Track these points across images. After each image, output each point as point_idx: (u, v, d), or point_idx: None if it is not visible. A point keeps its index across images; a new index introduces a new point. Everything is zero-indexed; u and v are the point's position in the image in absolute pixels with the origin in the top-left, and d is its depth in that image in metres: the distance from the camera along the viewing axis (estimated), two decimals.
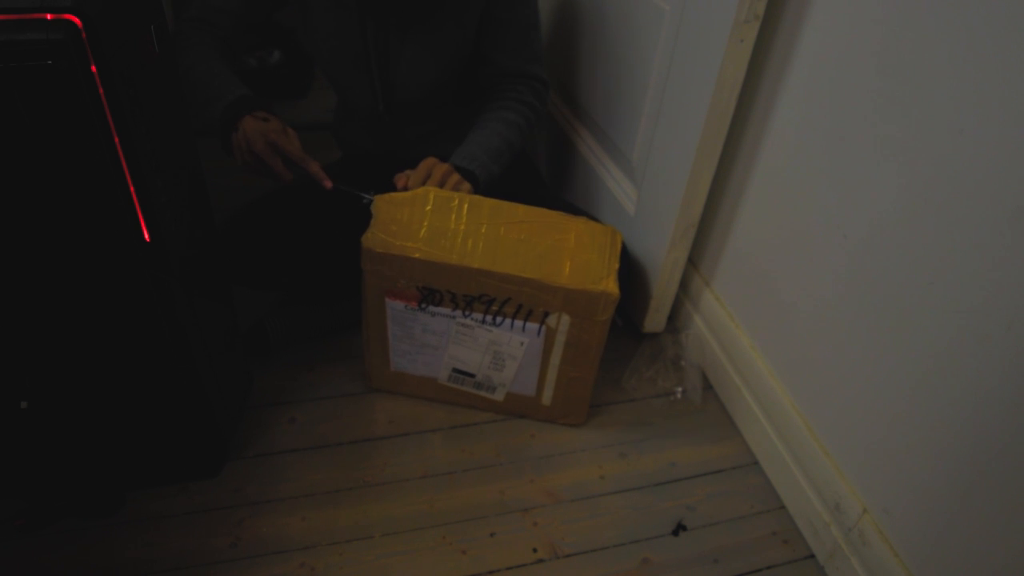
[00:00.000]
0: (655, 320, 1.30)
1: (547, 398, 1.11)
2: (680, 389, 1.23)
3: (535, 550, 0.97)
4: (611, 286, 0.97)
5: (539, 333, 1.02)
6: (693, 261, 1.27)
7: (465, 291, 0.99)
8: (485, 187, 1.08)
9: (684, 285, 1.28)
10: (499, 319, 1.02)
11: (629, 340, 1.32)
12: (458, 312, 1.02)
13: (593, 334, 1.01)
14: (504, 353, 1.06)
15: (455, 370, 1.10)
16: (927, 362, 0.80)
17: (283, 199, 1.15)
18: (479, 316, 1.02)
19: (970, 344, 0.74)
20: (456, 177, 1.04)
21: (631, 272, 1.28)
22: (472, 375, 1.10)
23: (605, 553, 0.97)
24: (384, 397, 1.16)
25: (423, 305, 1.02)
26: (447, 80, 1.16)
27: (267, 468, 1.04)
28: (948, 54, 0.74)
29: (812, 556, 1.00)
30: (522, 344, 1.04)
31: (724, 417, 1.20)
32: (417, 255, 0.97)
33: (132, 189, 0.72)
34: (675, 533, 1.01)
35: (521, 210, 1.01)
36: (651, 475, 1.09)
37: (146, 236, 0.75)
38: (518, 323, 1.02)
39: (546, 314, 1.00)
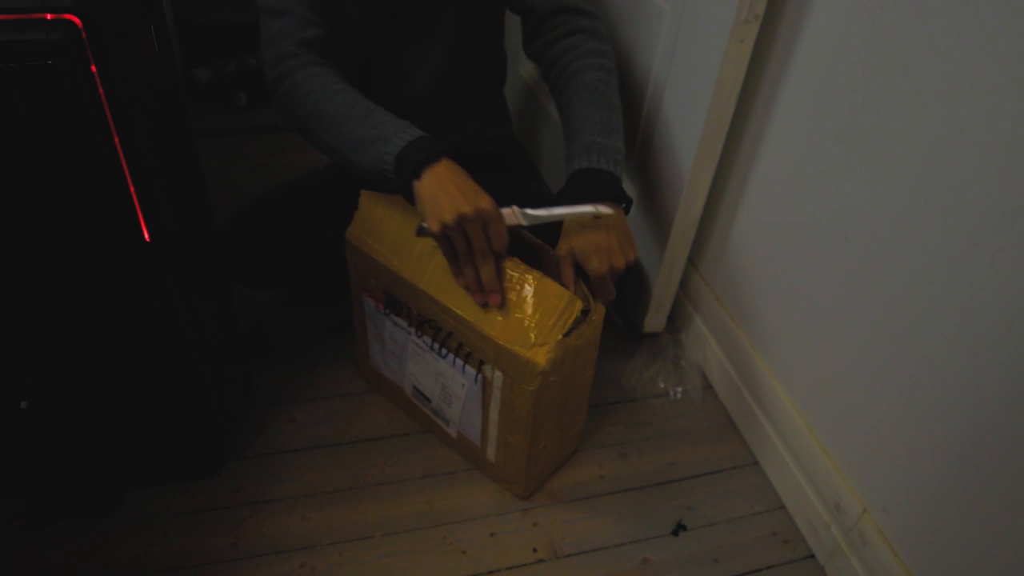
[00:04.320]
0: (655, 320, 1.30)
1: (491, 454, 1.00)
2: (680, 389, 1.23)
3: (535, 550, 0.97)
4: (540, 356, 0.83)
5: (476, 380, 0.92)
6: (693, 261, 1.27)
7: (419, 310, 0.94)
8: (622, 171, 0.93)
9: (684, 285, 1.28)
10: (444, 351, 0.94)
11: (629, 340, 1.32)
12: (412, 329, 0.97)
13: (523, 402, 0.88)
14: (450, 389, 0.97)
15: (415, 388, 1.05)
16: (927, 362, 0.80)
17: (284, 199, 1.15)
18: (428, 341, 0.95)
19: (970, 344, 0.74)
20: (623, 231, 0.88)
21: (631, 272, 1.28)
22: (429, 400, 1.04)
23: (605, 553, 0.97)
24: (384, 397, 1.16)
25: (387, 311, 0.99)
26: (455, 78, 1.12)
27: (267, 468, 1.04)
28: (948, 54, 0.74)
29: (812, 556, 1.00)
30: (463, 386, 0.95)
31: (724, 417, 1.20)
32: (379, 258, 0.94)
33: (132, 189, 0.72)
34: (675, 533, 1.01)
35: None
36: (651, 475, 1.09)
37: (146, 236, 0.75)
38: (459, 362, 0.93)
39: (482, 362, 0.90)
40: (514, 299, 0.86)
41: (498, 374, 0.89)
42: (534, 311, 0.85)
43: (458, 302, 0.88)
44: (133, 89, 0.70)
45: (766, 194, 1.06)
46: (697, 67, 1.04)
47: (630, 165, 1.28)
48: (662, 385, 1.23)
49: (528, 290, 0.85)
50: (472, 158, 1.21)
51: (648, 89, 1.19)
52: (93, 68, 0.64)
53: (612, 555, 0.97)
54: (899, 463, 0.85)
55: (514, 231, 0.87)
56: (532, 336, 0.84)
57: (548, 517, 1.01)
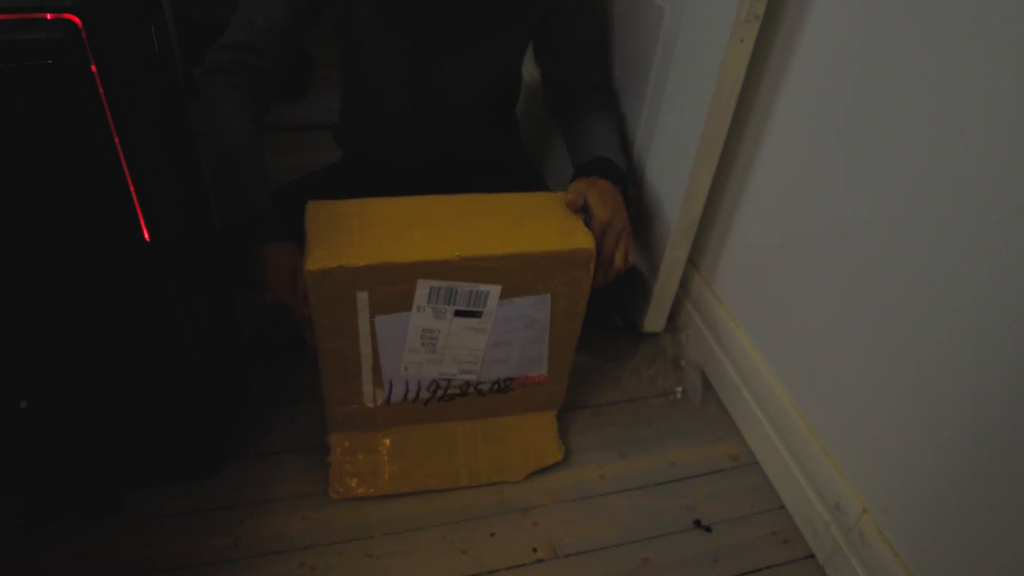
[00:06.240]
0: (655, 320, 1.30)
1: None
2: (680, 389, 1.23)
3: (535, 550, 0.97)
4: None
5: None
6: (693, 261, 1.27)
7: None
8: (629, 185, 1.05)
9: (684, 285, 1.28)
10: None
11: (629, 340, 1.31)
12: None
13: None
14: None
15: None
16: (927, 362, 0.80)
17: (285, 202, 1.14)
18: None
19: (970, 344, 0.74)
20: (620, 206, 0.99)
21: (631, 272, 1.28)
22: None
23: (605, 553, 0.97)
24: None
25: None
26: (488, 97, 1.17)
27: (267, 468, 1.04)
28: (948, 54, 0.74)
29: (812, 556, 1.00)
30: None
31: (724, 417, 1.20)
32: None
33: (132, 189, 0.72)
34: (706, 528, 1.01)
35: None
36: (651, 475, 1.09)
37: (146, 236, 0.75)
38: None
39: None
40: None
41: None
42: None
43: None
44: (133, 89, 0.70)
45: (766, 194, 1.06)
46: (697, 67, 1.04)
47: (630, 164, 1.29)
48: (662, 385, 1.23)
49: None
50: (476, 168, 1.21)
51: (648, 89, 1.18)
52: (93, 68, 0.63)
53: (612, 555, 0.97)
54: (899, 463, 0.85)
55: None
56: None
57: (548, 517, 1.01)
